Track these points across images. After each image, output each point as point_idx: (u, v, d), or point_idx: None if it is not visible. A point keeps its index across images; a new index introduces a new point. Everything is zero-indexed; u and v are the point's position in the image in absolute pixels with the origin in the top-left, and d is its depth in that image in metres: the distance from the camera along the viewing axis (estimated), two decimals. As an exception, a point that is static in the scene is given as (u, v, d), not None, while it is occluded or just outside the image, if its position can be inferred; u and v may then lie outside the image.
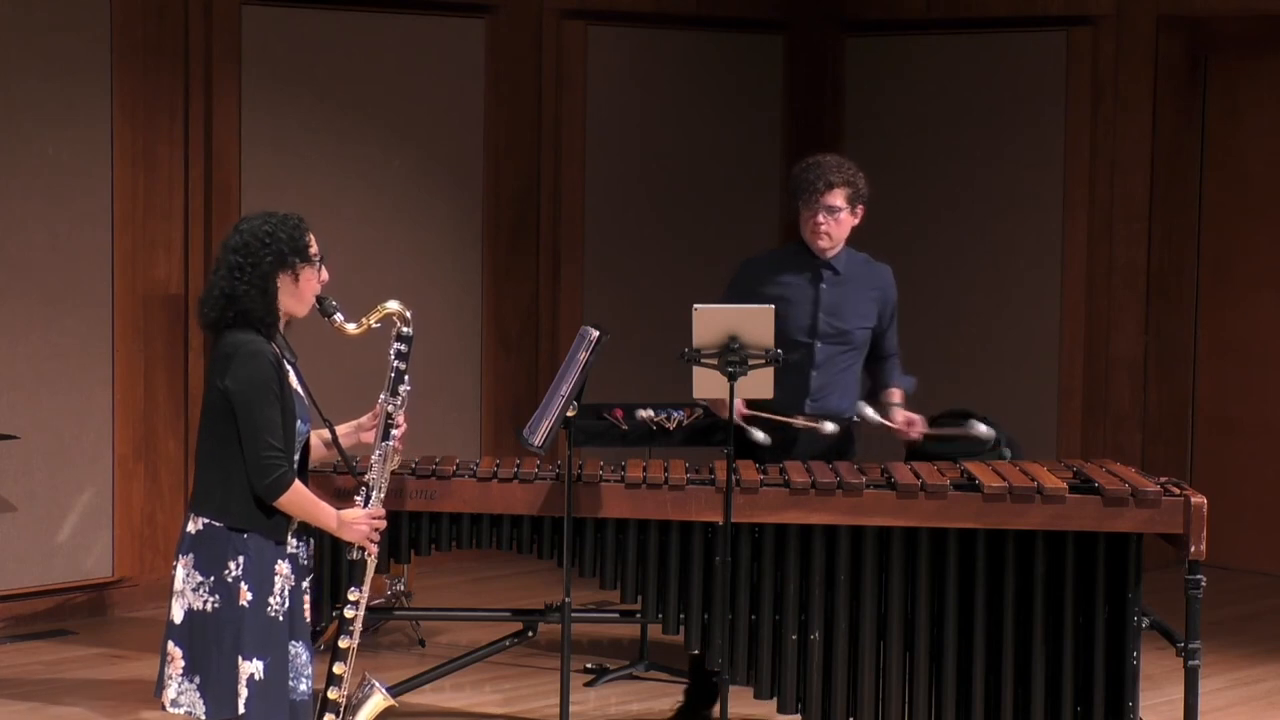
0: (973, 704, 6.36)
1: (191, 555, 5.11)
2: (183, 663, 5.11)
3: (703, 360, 6.19)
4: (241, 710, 5.08)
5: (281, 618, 5.15)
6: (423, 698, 7.25)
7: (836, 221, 6.70)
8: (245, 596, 5.09)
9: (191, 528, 5.12)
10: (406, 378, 5.45)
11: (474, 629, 7.99)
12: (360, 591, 5.41)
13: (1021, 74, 9.76)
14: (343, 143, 9.05)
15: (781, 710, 6.48)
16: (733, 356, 6.15)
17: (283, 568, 5.16)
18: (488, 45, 9.38)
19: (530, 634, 7.03)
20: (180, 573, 5.12)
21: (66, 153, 8.25)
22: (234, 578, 5.08)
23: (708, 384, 6.23)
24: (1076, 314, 9.64)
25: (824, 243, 6.72)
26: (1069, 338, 9.67)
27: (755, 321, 6.20)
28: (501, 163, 9.47)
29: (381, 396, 5.47)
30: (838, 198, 6.68)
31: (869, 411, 6.80)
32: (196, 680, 5.09)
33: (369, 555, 5.41)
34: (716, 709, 6.42)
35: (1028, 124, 9.75)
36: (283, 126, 8.86)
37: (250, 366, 5.06)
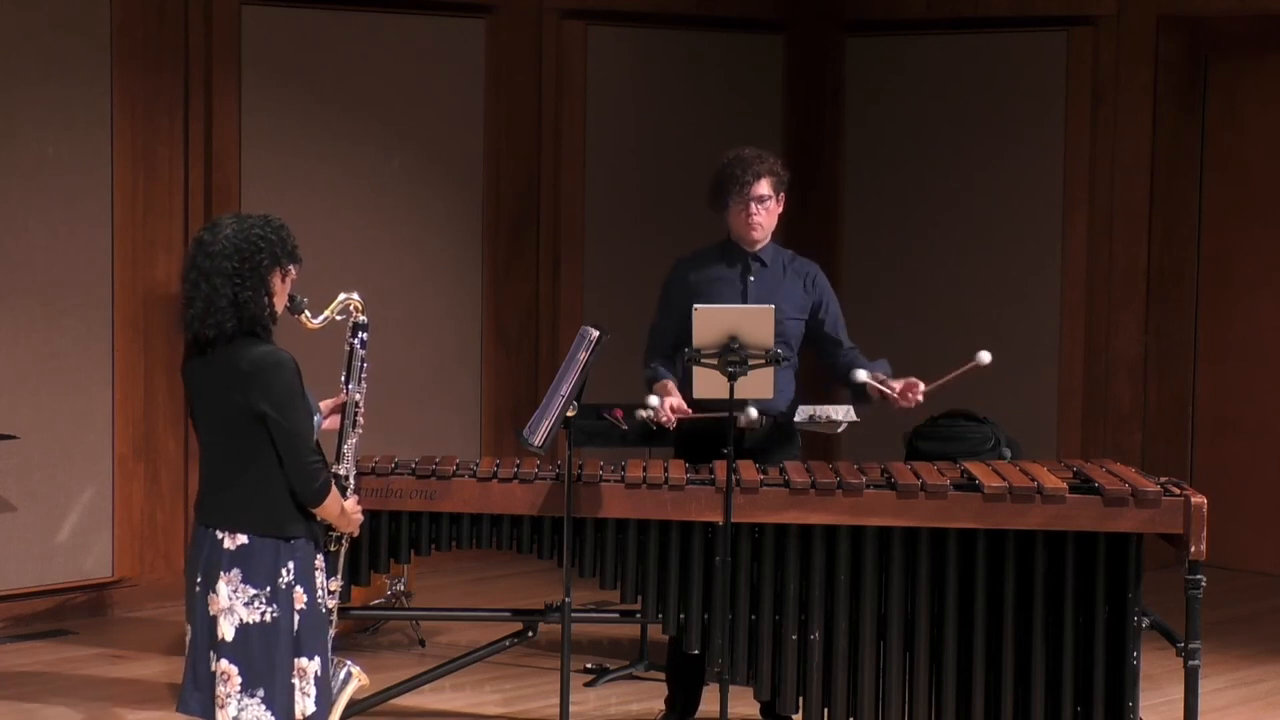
0: (973, 704, 6.35)
1: (237, 570, 5.05)
2: (239, 679, 5.04)
3: (703, 360, 6.19)
4: (313, 709, 5.09)
5: (325, 609, 5.19)
6: (423, 698, 7.25)
7: (766, 211, 6.70)
8: (301, 600, 5.09)
9: (230, 544, 5.05)
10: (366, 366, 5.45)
11: (474, 629, 7.99)
12: (338, 581, 5.42)
13: (1021, 74, 9.76)
14: (343, 143, 9.04)
15: (781, 711, 6.47)
16: (733, 356, 6.15)
17: (319, 561, 5.19)
18: (488, 45, 9.37)
19: (530, 634, 7.03)
20: (224, 589, 5.04)
21: (66, 153, 8.25)
22: (287, 584, 5.06)
23: (708, 384, 6.23)
24: (1076, 314, 9.63)
25: (757, 233, 6.71)
26: (1069, 338, 9.66)
27: (755, 321, 6.20)
28: (501, 163, 9.46)
29: (349, 386, 5.43)
30: (765, 187, 6.68)
31: (862, 378, 6.58)
32: (260, 694, 5.04)
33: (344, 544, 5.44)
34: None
35: (1028, 124, 9.74)
36: (283, 126, 8.86)
37: (281, 378, 5.01)
